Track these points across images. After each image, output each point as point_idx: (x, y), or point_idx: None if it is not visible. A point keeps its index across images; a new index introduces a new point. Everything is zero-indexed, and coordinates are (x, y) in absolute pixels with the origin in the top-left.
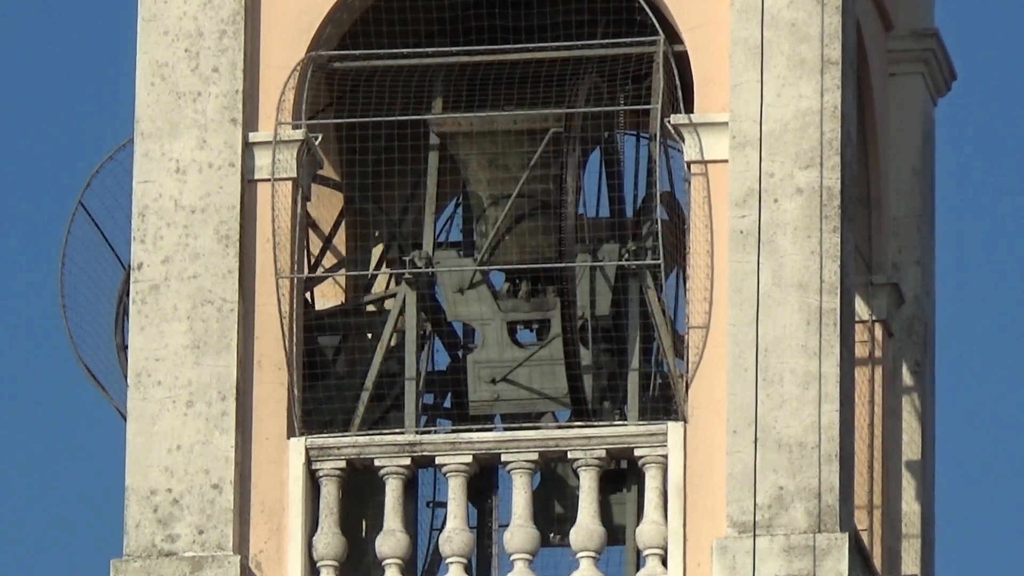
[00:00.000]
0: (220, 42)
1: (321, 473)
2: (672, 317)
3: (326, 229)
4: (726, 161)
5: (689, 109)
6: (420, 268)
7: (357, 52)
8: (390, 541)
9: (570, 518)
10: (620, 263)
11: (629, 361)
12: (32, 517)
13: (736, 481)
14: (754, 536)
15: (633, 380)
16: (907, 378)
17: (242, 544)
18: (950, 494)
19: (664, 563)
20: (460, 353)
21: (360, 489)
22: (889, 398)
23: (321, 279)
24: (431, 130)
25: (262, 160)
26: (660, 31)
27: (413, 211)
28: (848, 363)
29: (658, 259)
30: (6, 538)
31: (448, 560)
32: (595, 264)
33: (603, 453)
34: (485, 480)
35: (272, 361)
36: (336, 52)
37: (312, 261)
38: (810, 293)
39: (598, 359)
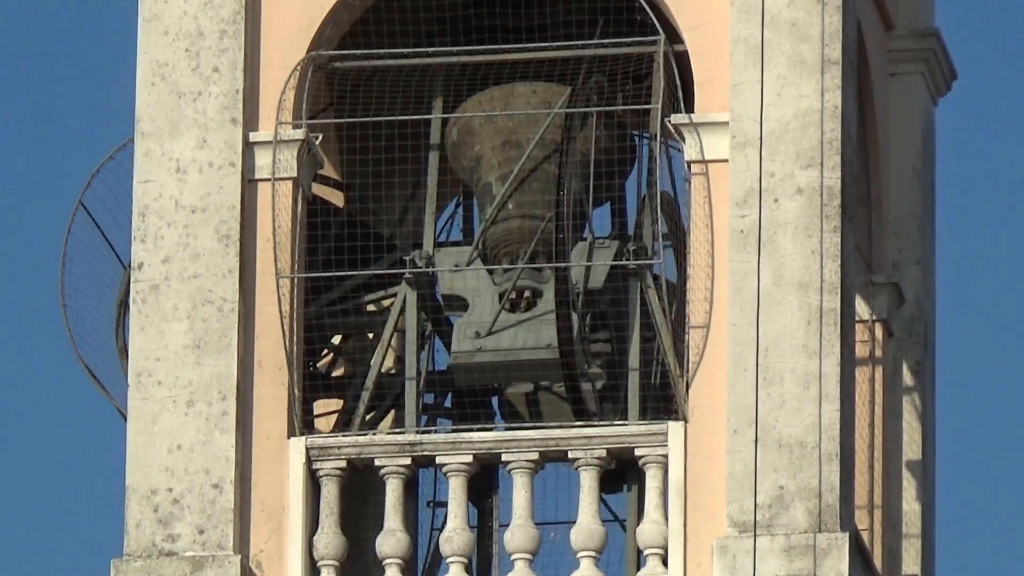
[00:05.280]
0: (220, 42)
1: (321, 473)
2: (672, 317)
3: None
4: (726, 161)
5: (689, 109)
6: (420, 268)
7: (357, 52)
8: (390, 541)
9: (570, 518)
10: (620, 263)
11: (629, 361)
12: (32, 517)
13: (736, 481)
14: (754, 536)
15: (633, 380)
16: (907, 378)
17: (242, 544)
18: (950, 494)
19: (664, 563)
20: None
21: (360, 489)
22: (889, 398)
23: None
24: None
25: (262, 160)
26: (660, 31)
27: (413, 211)
28: (848, 363)
29: (658, 259)
30: (6, 538)
31: (448, 560)
32: (593, 259)
33: (603, 453)
34: (485, 480)
35: (272, 361)
36: (336, 52)
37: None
38: (810, 293)
39: (591, 326)
